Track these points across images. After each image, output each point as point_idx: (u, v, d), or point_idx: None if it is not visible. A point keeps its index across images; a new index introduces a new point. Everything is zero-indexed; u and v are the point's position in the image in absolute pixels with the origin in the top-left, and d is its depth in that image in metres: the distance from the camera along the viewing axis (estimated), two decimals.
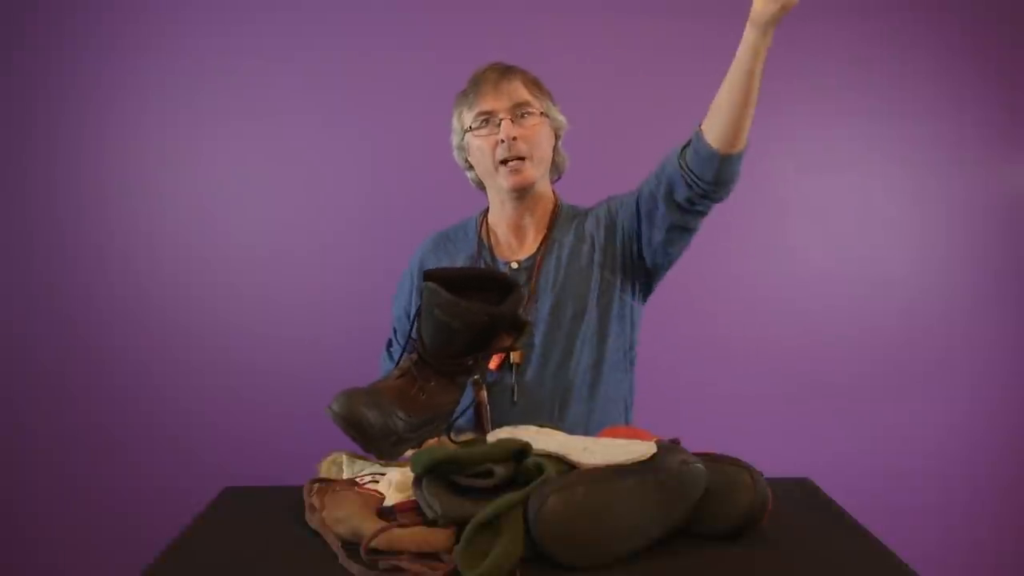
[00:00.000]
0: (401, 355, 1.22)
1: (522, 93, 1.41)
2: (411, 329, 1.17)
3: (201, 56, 2.08)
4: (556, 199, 1.52)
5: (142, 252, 2.10)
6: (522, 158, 1.39)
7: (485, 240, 1.50)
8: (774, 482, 1.05)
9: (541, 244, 1.47)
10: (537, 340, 1.41)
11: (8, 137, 2.08)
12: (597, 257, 1.44)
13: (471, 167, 1.50)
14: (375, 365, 1.65)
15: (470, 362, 1.16)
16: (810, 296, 2.15)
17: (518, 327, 1.17)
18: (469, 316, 1.10)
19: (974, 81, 2.14)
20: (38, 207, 2.09)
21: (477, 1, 2.09)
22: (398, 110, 2.08)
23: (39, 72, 2.08)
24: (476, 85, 1.43)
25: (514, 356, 1.39)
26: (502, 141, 1.38)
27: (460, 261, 1.50)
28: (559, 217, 1.49)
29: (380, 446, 1.09)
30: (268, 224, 2.12)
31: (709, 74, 2.12)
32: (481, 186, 1.52)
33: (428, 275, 1.15)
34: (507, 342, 1.17)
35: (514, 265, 1.46)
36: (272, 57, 2.08)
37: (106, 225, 2.10)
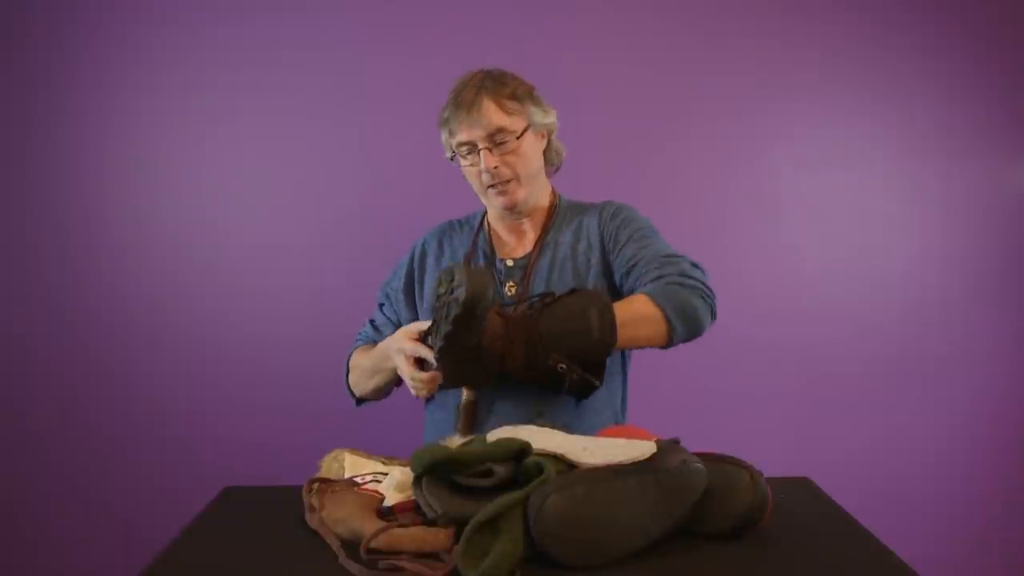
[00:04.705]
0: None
1: (496, 119, 1.38)
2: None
3: (201, 56, 2.08)
4: (554, 196, 1.52)
5: (142, 252, 2.10)
6: (508, 180, 1.41)
7: (487, 235, 1.52)
8: (774, 482, 1.05)
9: (537, 243, 1.47)
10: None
11: (8, 137, 2.08)
12: (594, 257, 1.44)
13: None
14: None
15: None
16: (809, 295, 2.15)
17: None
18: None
19: (974, 80, 2.14)
20: (38, 207, 2.09)
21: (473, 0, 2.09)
22: (396, 109, 2.08)
23: (39, 72, 2.07)
24: (452, 110, 1.41)
25: None
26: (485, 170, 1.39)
27: (460, 252, 1.51)
28: (557, 215, 1.50)
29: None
30: (268, 224, 2.12)
31: (705, 75, 2.13)
32: None
33: None
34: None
35: (509, 263, 1.47)
36: (272, 57, 2.08)
37: (106, 225, 2.10)
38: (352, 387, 1.54)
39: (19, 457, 2.11)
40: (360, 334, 1.60)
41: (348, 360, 1.56)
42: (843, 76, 2.13)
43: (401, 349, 1.29)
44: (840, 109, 2.14)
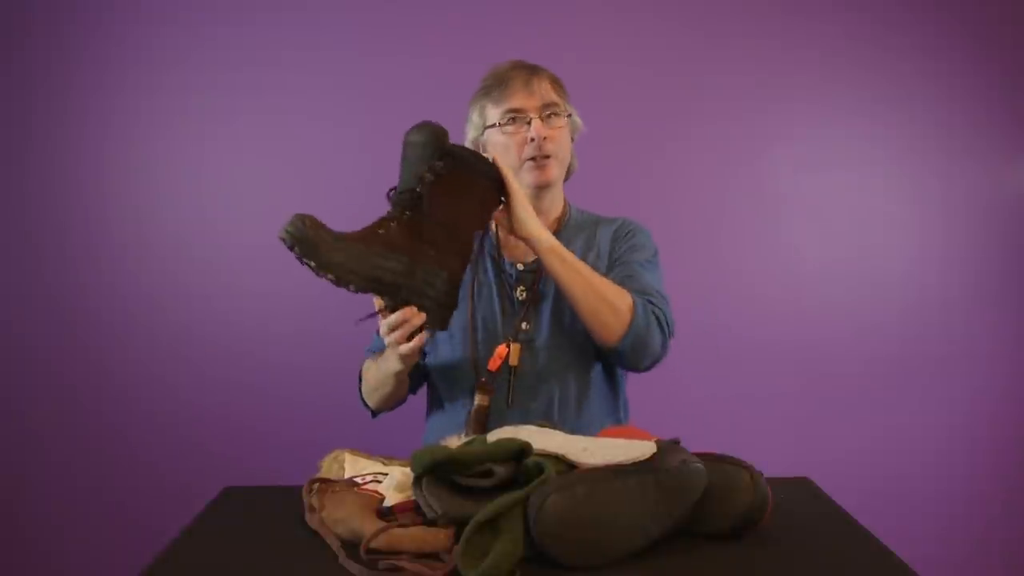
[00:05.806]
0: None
1: (551, 94, 1.42)
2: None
3: (201, 56, 2.08)
4: (566, 203, 1.53)
5: (142, 252, 2.10)
6: (548, 156, 1.41)
7: (494, 238, 1.50)
8: (774, 482, 1.05)
9: None
10: (537, 345, 1.41)
11: (8, 137, 2.08)
12: (601, 267, 1.44)
13: None
14: None
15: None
16: (809, 295, 2.15)
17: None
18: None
19: (974, 80, 2.14)
20: (38, 207, 2.09)
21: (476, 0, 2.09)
22: (396, 109, 2.07)
23: (39, 72, 2.07)
24: (503, 82, 1.42)
25: (512, 358, 1.37)
26: (531, 140, 1.39)
27: None
28: (568, 222, 1.50)
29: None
30: (268, 222, 2.09)
31: (705, 75, 2.13)
32: None
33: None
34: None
35: (520, 267, 1.45)
36: (272, 57, 2.08)
37: (106, 225, 2.10)
38: (366, 398, 1.49)
39: (19, 457, 2.11)
40: (369, 347, 1.58)
41: (360, 373, 1.50)
42: (843, 76, 2.13)
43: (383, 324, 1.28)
44: (840, 109, 2.14)
